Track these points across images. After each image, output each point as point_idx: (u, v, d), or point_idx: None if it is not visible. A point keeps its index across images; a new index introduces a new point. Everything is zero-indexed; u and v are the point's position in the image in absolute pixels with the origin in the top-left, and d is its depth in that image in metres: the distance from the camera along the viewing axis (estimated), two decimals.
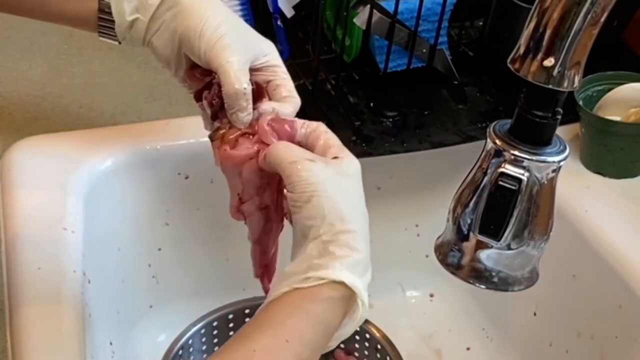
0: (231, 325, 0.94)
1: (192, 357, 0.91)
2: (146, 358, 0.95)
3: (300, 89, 0.96)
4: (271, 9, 0.99)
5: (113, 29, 0.70)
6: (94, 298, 0.80)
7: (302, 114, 0.94)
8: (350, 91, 0.99)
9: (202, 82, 0.68)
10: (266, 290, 0.72)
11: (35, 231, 0.79)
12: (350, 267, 0.58)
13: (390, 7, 0.93)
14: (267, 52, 0.69)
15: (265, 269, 0.72)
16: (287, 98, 0.69)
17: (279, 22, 0.98)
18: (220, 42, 0.65)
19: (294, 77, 0.97)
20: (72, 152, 0.89)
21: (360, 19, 0.92)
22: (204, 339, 0.92)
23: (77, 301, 0.74)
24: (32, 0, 0.70)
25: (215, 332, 0.93)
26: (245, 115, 0.66)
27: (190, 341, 0.90)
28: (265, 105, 0.67)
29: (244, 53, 0.66)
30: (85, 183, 0.87)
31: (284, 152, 0.62)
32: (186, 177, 0.94)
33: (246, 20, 0.91)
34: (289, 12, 1.00)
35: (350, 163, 0.64)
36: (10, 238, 0.79)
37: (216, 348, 0.94)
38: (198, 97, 0.69)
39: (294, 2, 1.00)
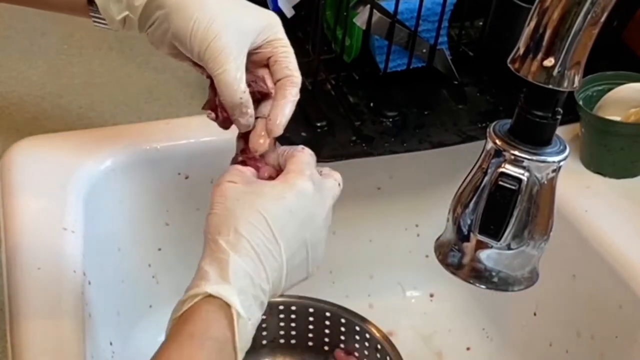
0: None
1: None
2: (146, 358, 0.94)
3: (300, 89, 0.96)
4: (271, 9, 0.98)
5: (106, 23, 0.68)
6: (94, 298, 0.80)
7: (302, 113, 0.94)
8: (350, 91, 0.99)
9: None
10: None
11: (35, 231, 0.79)
12: (216, 276, 0.58)
13: (390, 7, 0.93)
14: (267, 27, 0.66)
15: None
16: (286, 79, 0.67)
17: None
18: (213, 44, 0.63)
19: None
20: (72, 152, 0.89)
21: (360, 19, 0.92)
22: None
23: (77, 301, 0.74)
24: None
25: None
26: (246, 119, 0.65)
27: None
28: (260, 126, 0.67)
29: (241, 45, 0.64)
30: (85, 183, 0.87)
31: (220, 177, 0.64)
32: (186, 177, 0.94)
33: None
34: (289, 12, 1.00)
35: (275, 186, 0.63)
36: (10, 238, 0.79)
37: None
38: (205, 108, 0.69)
39: (294, 2, 1.00)
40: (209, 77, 0.66)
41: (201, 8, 0.63)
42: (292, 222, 0.62)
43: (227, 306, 0.57)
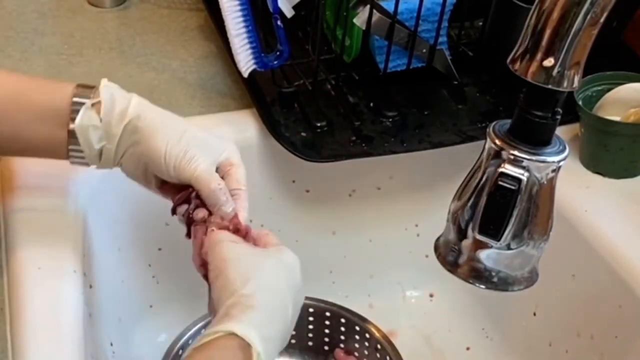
0: None
1: None
2: (146, 358, 0.95)
3: (300, 89, 0.97)
4: (271, 9, 0.98)
5: (83, 155, 0.73)
6: (94, 298, 0.80)
7: (302, 114, 0.94)
8: (350, 91, 0.99)
9: (176, 194, 0.74)
10: None
11: (36, 231, 0.79)
12: (244, 321, 0.62)
13: (390, 7, 0.93)
14: (227, 151, 0.74)
15: None
16: (234, 191, 0.74)
17: (279, 22, 0.98)
18: (186, 156, 0.71)
19: (294, 77, 0.97)
20: None
21: (360, 19, 0.92)
22: None
23: (77, 301, 0.74)
24: (4, 137, 0.73)
25: None
26: (229, 207, 0.72)
27: (190, 341, 0.90)
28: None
29: (209, 155, 0.72)
30: (86, 184, 0.87)
31: (213, 237, 0.70)
32: None
33: (246, 20, 0.91)
34: (289, 12, 1.00)
35: (282, 251, 0.69)
36: (11, 238, 0.79)
37: None
38: (173, 212, 0.75)
39: (294, 2, 1.00)
40: (175, 208, 0.74)
41: (172, 130, 0.72)
42: (298, 286, 0.68)
43: (246, 346, 0.61)
